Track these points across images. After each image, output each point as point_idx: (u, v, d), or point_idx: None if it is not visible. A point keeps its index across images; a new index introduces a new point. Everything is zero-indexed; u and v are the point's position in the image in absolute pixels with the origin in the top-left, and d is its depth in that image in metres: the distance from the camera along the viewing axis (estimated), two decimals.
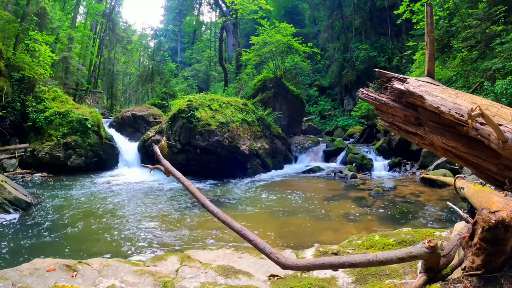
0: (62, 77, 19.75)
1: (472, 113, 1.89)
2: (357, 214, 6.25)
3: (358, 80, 20.86)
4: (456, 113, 2.25)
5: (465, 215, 2.94)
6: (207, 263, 3.13)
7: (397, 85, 2.87)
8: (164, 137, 11.05)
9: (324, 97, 25.55)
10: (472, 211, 4.71)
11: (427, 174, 8.83)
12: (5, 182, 6.61)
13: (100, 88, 27.20)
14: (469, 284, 1.92)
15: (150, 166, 4.08)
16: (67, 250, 4.56)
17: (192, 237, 5.08)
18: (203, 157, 10.57)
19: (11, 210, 6.09)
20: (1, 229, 5.32)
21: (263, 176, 10.96)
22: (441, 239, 3.14)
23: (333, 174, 10.80)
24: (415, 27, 13.92)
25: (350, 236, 3.93)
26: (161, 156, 3.87)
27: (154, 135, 11.52)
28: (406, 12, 13.34)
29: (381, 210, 6.54)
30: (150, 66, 24.83)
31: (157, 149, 4.09)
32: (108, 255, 4.29)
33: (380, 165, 11.77)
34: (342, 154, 12.88)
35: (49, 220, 5.86)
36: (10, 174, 9.81)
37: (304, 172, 11.54)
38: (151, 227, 5.51)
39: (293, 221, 5.94)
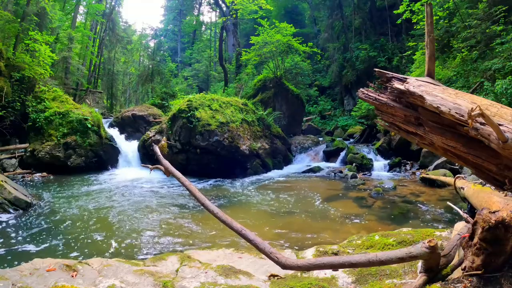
0: (62, 77, 19.74)
1: (472, 113, 1.89)
2: (357, 214, 6.25)
3: (358, 80, 20.87)
4: (456, 113, 2.25)
5: (465, 215, 2.93)
6: (207, 263, 3.13)
7: (397, 85, 2.87)
8: (164, 137, 11.05)
9: (324, 97, 25.56)
10: (472, 211, 4.72)
11: (427, 174, 8.83)
12: (5, 182, 6.60)
13: (100, 88, 27.19)
14: (469, 284, 1.92)
15: (150, 166, 4.08)
16: (67, 250, 4.56)
17: (192, 237, 5.08)
18: (203, 157, 10.57)
19: (11, 210, 6.09)
20: (1, 229, 5.32)
21: (263, 176, 10.96)
22: (441, 239, 3.15)
23: (333, 174, 10.80)
24: (415, 27, 13.92)
25: (350, 236, 3.93)
26: (161, 156, 3.87)
27: (154, 135, 11.52)
28: (406, 12, 13.33)
29: (381, 210, 6.54)
30: (150, 66, 24.83)
31: (157, 149, 4.09)
32: (108, 255, 4.29)
33: (380, 165, 11.77)
34: (342, 154, 12.88)
35: (49, 220, 5.86)
36: (10, 174, 9.80)
37: (304, 172, 11.54)
38: (151, 227, 5.51)
39: (293, 221, 5.94)
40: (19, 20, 12.84)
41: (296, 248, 4.29)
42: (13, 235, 5.08)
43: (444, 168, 8.89)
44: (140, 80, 25.33)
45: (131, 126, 15.63)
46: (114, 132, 13.80)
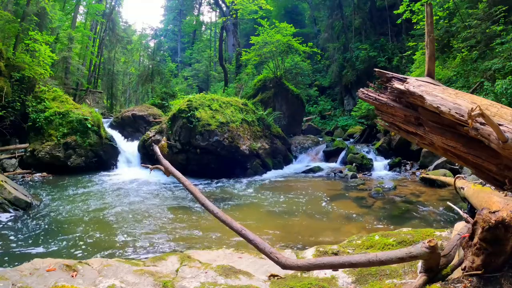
0: (62, 77, 19.75)
1: (472, 113, 1.89)
2: (357, 214, 6.25)
3: (358, 80, 20.87)
4: (456, 113, 2.25)
5: (465, 215, 2.93)
6: (207, 263, 3.13)
7: (397, 85, 2.87)
8: (164, 137, 11.05)
9: (324, 97, 25.56)
10: (472, 211, 4.72)
11: (427, 174, 8.83)
12: (5, 182, 6.61)
13: (100, 88, 27.20)
14: (469, 284, 1.92)
15: (150, 166, 4.08)
16: (67, 250, 4.56)
17: (192, 237, 5.08)
18: (203, 157, 10.57)
19: (11, 210, 6.09)
20: (1, 229, 5.32)
21: (263, 176, 10.96)
22: (441, 239, 3.14)
23: (333, 174, 10.80)
24: (415, 27, 13.92)
25: (350, 236, 3.93)
26: (161, 156, 3.87)
27: (154, 135, 11.52)
28: (406, 12, 13.33)
29: (381, 210, 6.54)
30: (150, 66, 24.84)
31: (157, 149, 4.09)
32: (108, 255, 4.30)
33: (380, 165, 11.76)
34: (342, 154, 12.88)
35: (49, 220, 5.86)
36: (10, 174, 9.80)
37: (304, 172, 11.54)
38: (151, 227, 5.51)
39: (293, 221, 5.94)
40: (19, 20, 12.84)
41: (296, 248, 4.29)
42: (13, 235, 5.08)
43: (444, 168, 8.89)
44: (140, 80, 25.33)
45: (131, 126, 15.63)
46: (114, 132, 13.80)
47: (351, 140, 17.13)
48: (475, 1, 11.13)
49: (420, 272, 2.20)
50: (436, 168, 9.11)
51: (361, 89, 3.38)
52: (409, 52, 14.90)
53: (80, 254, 4.39)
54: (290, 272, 2.84)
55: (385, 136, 13.47)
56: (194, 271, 2.92)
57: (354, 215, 6.19)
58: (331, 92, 25.84)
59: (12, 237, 4.97)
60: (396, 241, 3.27)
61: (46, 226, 5.52)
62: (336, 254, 3.25)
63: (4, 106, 10.68)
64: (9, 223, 5.61)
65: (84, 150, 11.34)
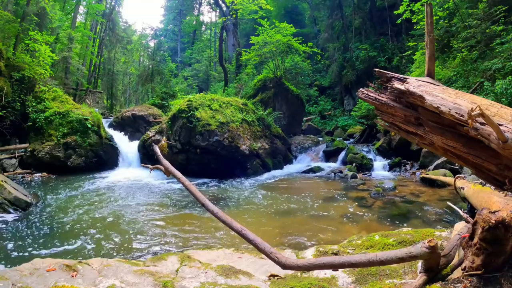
0: (62, 77, 19.75)
1: (472, 113, 1.89)
2: (357, 214, 6.25)
3: (358, 80, 20.88)
4: (456, 113, 2.25)
5: (465, 215, 2.94)
6: (207, 263, 3.13)
7: (397, 85, 2.87)
8: (164, 137, 11.05)
9: (324, 97, 25.56)
10: (472, 211, 4.72)
11: (427, 174, 8.83)
12: (5, 182, 6.61)
13: (100, 88, 27.20)
14: (469, 284, 1.92)
15: (150, 166, 4.08)
16: (67, 250, 4.56)
17: (192, 237, 5.08)
18: (203, 157, 10.57)
19: (11, 210, 6.09)
20: (1, 229, 5.32)
21: (263, 176, 10.96)
22: (441, 239, 3.15)
23: (333, 174, 10.79)
24: (415, 27, 13.92)
25: (350, 236, 3.93)
26: (161, 156, 3.88)
27: (154, 135, 11.52)
28: (406, 12, 13.33)
29: (381, 210, 6.54)
30: (150, 66, 24.84)
31: (157, 149, 4.10)
32: (108, 255, 4.29)
33: (380, 165, 11.76)
34: (342, 154, 12.88)
35: (49, 220, 5.86)
36: (10, 174, 9.80)
37: (304, 172, 11.54)
38: (151, 227, 5.51)
39: (293, 221, 5.94)
40: (19, 20, 12.84)
41: (296, 248, 4.29)
42: (13, 235, 5.08)
43: (444, 168, 8.89)
44: (140, 80, 25.34)
45: (131, 126, 15.63)
46: (114, 132, 13.80)
47: (351, 140, 17.13)
48: (475, 1, 11.12)
49: (420, 272, 2.20)
50: (436, 168, 9.11)
51: (361, 89, 3.38)
52: (409, 52, 14.90)
53: (80, 254, 4.39)
54: (290, 272, 2.84)
55: (385, 136, 13.47)
56: (194, 271, 2.92)
57: (354, 215, 6.19)
58: (331, 92, 25.85)
59: (12, 237, 4.97)
60: (396, 241, 3.27)
61: (46, 226, 5.52)
62: (336, 254, 3.26)
63: (4, 106, 10.68)
64: (9, 223, 5.61)
65: (84, 150, 11.34)
